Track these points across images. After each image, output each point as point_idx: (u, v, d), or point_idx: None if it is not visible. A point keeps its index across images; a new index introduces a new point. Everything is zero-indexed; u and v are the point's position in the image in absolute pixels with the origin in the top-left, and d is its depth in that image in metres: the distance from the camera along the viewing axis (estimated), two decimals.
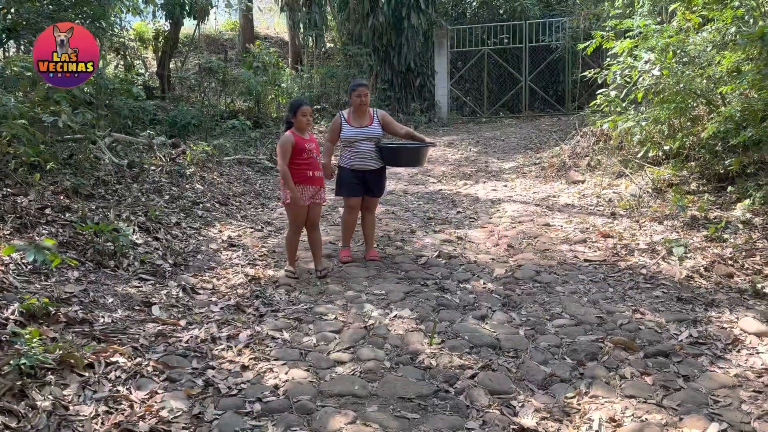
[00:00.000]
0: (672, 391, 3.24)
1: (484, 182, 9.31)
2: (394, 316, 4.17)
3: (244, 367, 3.39)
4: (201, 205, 6.99)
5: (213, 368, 3.33)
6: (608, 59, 8.38)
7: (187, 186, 7.46)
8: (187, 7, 13.42)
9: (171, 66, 15.28)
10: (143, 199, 6.35)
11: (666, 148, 7.71)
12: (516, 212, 7.17)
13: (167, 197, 6.77)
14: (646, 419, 2.98)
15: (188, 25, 16.87)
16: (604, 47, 8.18)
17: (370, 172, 5.30)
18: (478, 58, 16.40)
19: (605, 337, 3.81)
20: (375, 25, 15.44)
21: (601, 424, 2.94)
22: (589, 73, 8.49)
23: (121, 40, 14.00)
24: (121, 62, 14.40)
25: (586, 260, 5.38)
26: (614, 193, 7.51)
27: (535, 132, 13.39)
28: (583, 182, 8.36)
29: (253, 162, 10.00)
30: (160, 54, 14.82)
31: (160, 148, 8.31)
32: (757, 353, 3.66)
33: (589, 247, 5.73)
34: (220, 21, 22.81)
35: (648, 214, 6.44)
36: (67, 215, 5.08)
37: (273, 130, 12.31)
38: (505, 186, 8.89)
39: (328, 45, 18.60)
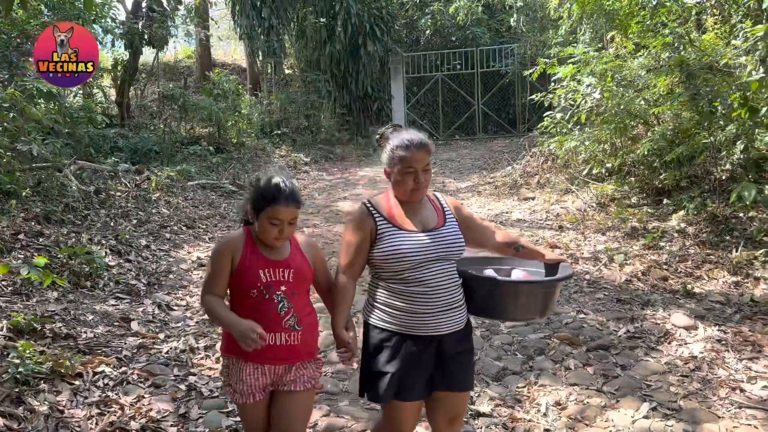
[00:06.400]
0: (610, 379, 3.64)
1: None
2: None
3: None
4: (168, 228, 7.18)
5: (194, 374, 3.59)
6: (553, 83, 8.99)
7: (154, 210, 7.64)
8: (146, 37, 13.63)
9: (130, 94, 15.38)
10: (112, 224, 6.52)
11: (608, 165, 8.30)
12: None
13: (135, 221, 6.95)
14: (588, 402, 3.37)
15: (146, 54, 17.01)
16: (549, 72, 8.78)
17: (450, 336, 2.36)
18: (432, 84, 17.03)
19: (552, 335, 4.21)
20: (332, 53, 15.92)
21: (548, 407, 3.32)
22: (537, 96, 9.07)
23: None
24: (80, 91, 14.43)
25: None
26: (561, 208, 8.03)
27: (488, 153, 13.98)
28: (533, 199, 8.87)
29: (216, 186, 10.21)
30: (119, 82, 14.92)
31: (125, 174, 8.47)
32: (686, 344, 4.11)
33: None
34: (178, 49, 22.96)
35: (592, 227, 6.95)
36: (40, 240, 5.25)
37: (234, 155, 12.53)
38: (462, 204, 9.33)
39: (287, 71, 18.99)
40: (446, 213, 2.47)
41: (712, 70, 6.40)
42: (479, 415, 3.21)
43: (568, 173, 9.14)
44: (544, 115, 9.18)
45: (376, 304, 2.39)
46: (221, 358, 2.39)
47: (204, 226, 7.74)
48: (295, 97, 15.81)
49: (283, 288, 2.27)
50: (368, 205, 2.42)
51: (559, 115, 8.88)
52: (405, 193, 2.37)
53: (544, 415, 3.26)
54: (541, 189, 9.19)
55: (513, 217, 8.08)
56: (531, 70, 8.74)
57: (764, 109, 5.12)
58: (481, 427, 3.11)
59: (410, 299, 2.30)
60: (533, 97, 9.27)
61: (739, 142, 6.34)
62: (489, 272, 2.54)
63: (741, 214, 6.10)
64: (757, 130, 5.96)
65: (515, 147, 13.72)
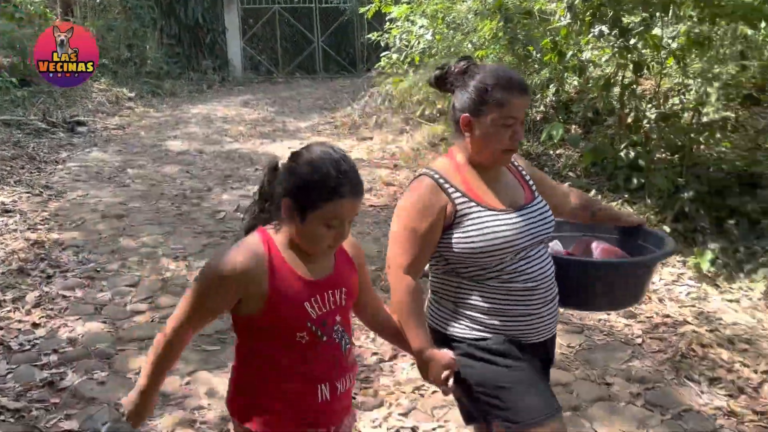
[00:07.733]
0: None
1: (282, 141, 9.57)
2: (195, 268, 4.34)
3: (36, 325, 3.36)
4: None
5: (1, 329, 3.25)
6: (389, 23, 9.08)
7: None
8: None
9: None
10: None
11: (439, 106, 8.67)
12: None
13: None
14: None
15: None
16: (384, 11, 8.83)
17: (553, 340, 1.91)
18: (270, 16, 16.36)
19: (384, 267, 4.41)
20: None
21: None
22: (374, 36, 9.12)
23: None
24: None
25: (371, 206, 6.01)
26: (397, 147, 8.30)
27: (329, 92, 13.91)
28: (371, 139, 9.04)
29: (23, 123, 9.10)
30: None
31: None
32: None
33: (375, 195, 6.37)
34: None
35: (424, 165, 7.27)
36: None
37: (43, 88, 11.14)
38: (302, 144, 9.25)
39: None
40: (529, 181, 1.86)
41: (530, 15, 6.84)
42: None
43: (404, 114, 9.40)
44: (381, 55, 9.29)
45: (460, 309, 1.75)
46: (238, 428, 1.53)
47: (8, 169, 6.88)
48: (115, 24, 14.36)
49: (338, 318, 1.51)
50: (436, 176, 1.74)
51: (395, 56, 9.03)
52: (493, 153, 1.72)
53: (374, 340, 3.44)
54: (379, 129, 9.38)
55: (352, 156, 8.07)
56: (366, 8, 8.73)
57: (569, 53, 5.61)
58: None
59: (512, 298, 1.71)
60: (370, 36, 9.32)
61: (552, 85, 6.94)
62: (554, 246, 2.02)
63: (551, 152, 6.74)
64: (566, 74, 6.55)
65: (356, 87, 13.78)
